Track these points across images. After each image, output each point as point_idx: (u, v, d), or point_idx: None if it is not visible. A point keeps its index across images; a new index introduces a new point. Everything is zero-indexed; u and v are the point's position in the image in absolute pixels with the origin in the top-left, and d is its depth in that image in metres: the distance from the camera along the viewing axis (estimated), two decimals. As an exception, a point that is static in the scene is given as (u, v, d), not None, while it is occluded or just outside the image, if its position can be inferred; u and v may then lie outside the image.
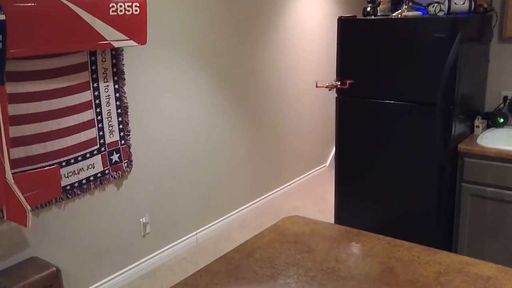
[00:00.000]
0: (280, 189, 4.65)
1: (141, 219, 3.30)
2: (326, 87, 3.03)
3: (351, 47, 3.04)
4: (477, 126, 3.05)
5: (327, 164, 5.34)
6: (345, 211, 3.27)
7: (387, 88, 2.94)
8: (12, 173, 2.35)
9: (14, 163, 2.43)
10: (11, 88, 2.39)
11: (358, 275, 1.54)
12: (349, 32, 3.03)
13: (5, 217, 2.41)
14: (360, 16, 3.10)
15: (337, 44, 3.09)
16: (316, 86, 3.05)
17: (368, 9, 3.04)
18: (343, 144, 3.21)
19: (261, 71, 4.18)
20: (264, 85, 4.24)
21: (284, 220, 1.95)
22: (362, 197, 3.17)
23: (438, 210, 2.89)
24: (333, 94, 3.16)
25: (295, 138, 4.77)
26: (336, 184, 3.29)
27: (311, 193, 4.76)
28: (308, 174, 5.06)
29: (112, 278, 3.15)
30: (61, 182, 2.70)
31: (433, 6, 2.81)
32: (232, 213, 4.10)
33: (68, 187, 2.77)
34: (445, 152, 2.80)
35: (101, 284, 3.08)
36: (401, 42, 2.82)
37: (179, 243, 3.62)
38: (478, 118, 3.07)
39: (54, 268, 2.53)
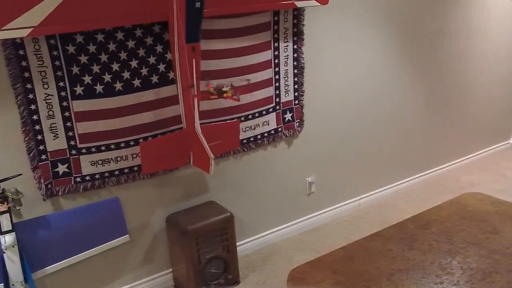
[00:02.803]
0: (454, 163, 4.33)
1: (307, 178, 3.38)
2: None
3: None
4: None
5: (511, 141, 4.78)
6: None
7: None
8: (200, 124, 2.59)
9: (201, 115, 2.66)
10: (203, 45, 2.59)
11: (555, 266, 1.36)
12: None
13: (191, 163, 2.69)
14: None
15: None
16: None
17: None
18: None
19: (447, 32, 3.84)
20: (448, 47, 3.90)
21: (466, 195, 1.81)
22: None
23: None
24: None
25: (477, 110, 4.34)
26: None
27: (489, 169, 4.32)
28: (488, 150, 4.60)
29: (278, 230, 3.32)
30: (239, 136, 2.90)
31: None
32: (399, 182, 3.96)
33: (244, 141, 2.96)
34: None
35: (267, 234, 3.28)
36: None
37: (342, 205, 3.64)
38: None
39: (229, 213, 2.76)
